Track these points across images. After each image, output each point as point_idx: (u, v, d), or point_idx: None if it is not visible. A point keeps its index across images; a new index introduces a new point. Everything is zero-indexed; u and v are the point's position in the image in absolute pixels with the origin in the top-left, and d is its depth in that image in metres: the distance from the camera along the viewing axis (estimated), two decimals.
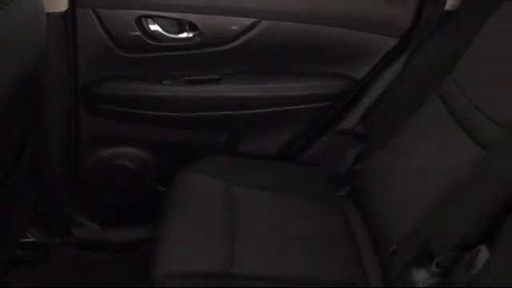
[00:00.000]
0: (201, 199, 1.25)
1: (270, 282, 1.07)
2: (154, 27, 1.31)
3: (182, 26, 1.33)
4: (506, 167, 0.87)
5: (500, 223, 0.84)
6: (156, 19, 1.30)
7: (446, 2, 1.31)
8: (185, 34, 1.33)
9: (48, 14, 1.09)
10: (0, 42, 0.86)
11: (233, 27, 1.33)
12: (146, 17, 1.30)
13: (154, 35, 1.32)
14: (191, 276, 1.03)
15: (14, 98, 1.06)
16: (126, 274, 1.54)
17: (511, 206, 0.83)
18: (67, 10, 1.24)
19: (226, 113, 1.42)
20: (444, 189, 1.01)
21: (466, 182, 0.94)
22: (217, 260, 1.08)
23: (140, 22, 1.30)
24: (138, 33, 1.30)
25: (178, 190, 1.28)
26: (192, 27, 1.32)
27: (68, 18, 1.25)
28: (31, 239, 1.58)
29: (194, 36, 1.32)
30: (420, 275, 0.97)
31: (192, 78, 1.39)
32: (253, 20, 1.31)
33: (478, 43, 1.15)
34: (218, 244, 1.12)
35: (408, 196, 1.11)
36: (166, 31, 1.32)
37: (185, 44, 1.33)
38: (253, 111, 1.41)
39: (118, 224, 1.62)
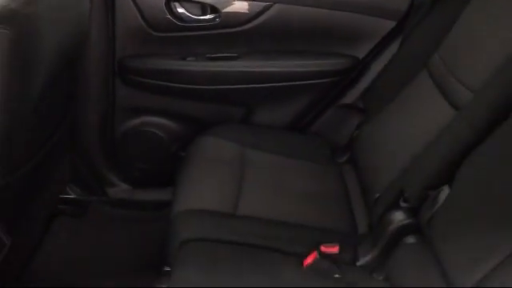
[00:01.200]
0: (216, 157, 1.45)
1: (270, 224, 1.26)
2: (180, 10, 1.53)
3: (204, 9, 1.54)
4: (465, 120, 1.03)
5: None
6: (182, 3, 1.52)
7: None
8: (207, 16, 1.54)
9: None
10: (50, 17, 1.07)
11: (249, 11, 1.52)
12: (174, 1, 1.51)
13: (181, 17, 1.53)
14: (203, 213, 1.23)
15: (61, 68, 1.28)
16: (153, 230, 1.75)
17: (468, 152, 1.00)
18: None
19: (242, 86, 1.62)
20: (421, 146, 1.17)
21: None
22: (225, 203, 1.28)
23: (169, 5, 1.52)
24: (167, 15, 1.52)
25: (196, 149, 1.49)
26: (213, 10, 1.53)
27: (108, 0, 1.47)
28: (72, 196, 1.82)
29: (214, 18, 1.53)
30: (396, 216, 1.14)
31: (212, 55, 1.59)
32: (266, 4, 1.51)
33: (461, 20, 1.30)
34: (227, 191, 1.32)
35: (393, 155, 1.28)
36: (191, 13, 1.53)
37: (206, 25, 1.54)
38: (265, 85, 1.61)
39: (146, 185, 1.84)
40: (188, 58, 1.59)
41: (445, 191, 1.01)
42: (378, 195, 1.23)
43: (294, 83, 1.61)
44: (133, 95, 1.68)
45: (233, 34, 1.55)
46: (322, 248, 1.16)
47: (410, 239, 1.09)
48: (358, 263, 1.18)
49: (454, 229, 0.95)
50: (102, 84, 1.63)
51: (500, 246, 0.80)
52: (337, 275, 1.12)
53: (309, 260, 1.13)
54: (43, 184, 1.42)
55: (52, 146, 1.39)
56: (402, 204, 1.10)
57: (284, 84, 1.61)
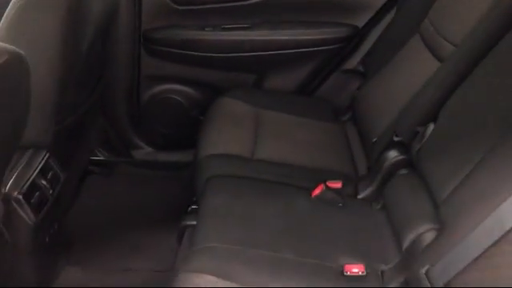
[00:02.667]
0: (233, 115, 1.65)
1: (283, 166, 1.45)
2: None
3: None
4: (448, 67, 1.23)
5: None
6: None
7: None
8: None
9: None
10: None
11: None
12: None
13: None
14: (225, 156, 1.43)
15: (98, 35, 1.47)
16: (174, 187, 1.94)
17: (451, 94, 1.19)
18: None
19: (254, 54, 1.81)
20: (412, 96, 1.36)
21: None
22: (244, 149, 1.48)
23: None
24: None
25: (216, 109, 1.69)
26: None
27: None
28: (101, 158, 2.02)
29: None
30: (390, 154, 1.33)
31: (227, 25, 1.78)
32: None
33: None
34: (245, 141, 1.52)
35: (387, 107, 1.46)
36: None
37: None
38: (275, 52, 1.80)
39: (168, 148, 2.04)
40: (206, 29, 1.79)
41: (431, 127, 1.21)
42: (375, 139, 1.43)
43: (300, 50, 1.80)
44: (156, 64, 1.87)
45: (246, 7, 1.75)
46: (328, 183, 1.36)
47: (403, 171, 1.28)
48: (359, 196, 1.37)
49: (437, 154, 1.14)
50: (129, 54, 1.82)
51: (473, 156, 0.99)
52: (340, 204, 1.31)
53: (316, 191, 1.33)
54: (82, 138, 1.62)
55: (90, 104, 1.59)
56: (395, 138, 1.30)
57: (291, 51, 1.80)
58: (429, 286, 0.95)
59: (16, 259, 1.17)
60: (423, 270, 0.97)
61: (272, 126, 1.63)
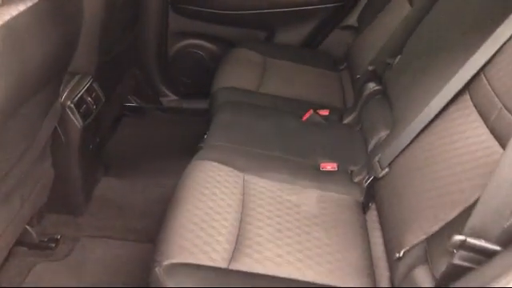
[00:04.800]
0: (244, 60, 1.95)
1: (281, 98, 1.74)
2: None
3: None
4: (415, 10, 1.50)
5: None
6: None
7: None
8: None
9: None
10: None
11: None
12: None
13: None
14: (233, 88, 1.74)
15: None
16: (195, 130, 2.25)
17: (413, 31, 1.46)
18: None
19: (265, 11, 2.11)
20: (387, 37, 1.64)
21: None
22: (250, 85, 1.79)
23: None
24: None
25: (229, 56, 1.99)
26: None
27: None
28: (133, 104, 2.35)
29: None
30: (369, 85, 1.60)
31: None
32: None
33: None
34: (252, 78, 1.83)
35: (369, 49, 1.74)
36: None
37: None
38: (282, 10, 2.09)
39: (191, 96, 2.35)
40: None
41: (398, 58, 1.48)
42: (358, 76, 1.71)
43: (303, 8, 2.09)
44: (182, 21, 2.19)
45: None
46: (317, 110, 1.64)
47: (377, 97, 1.56)
48: (344, 122, 1.66)
49: (399, 78, 1.42)
50: (158, 12, 2.15)
51: (417, 79, 1.26)
52: (326, 126, 1.60)
53: (306, 115, 1.62)
54: (120, 74, 1.95)
55: (126, 46, 1.91)
56: (369, 67, 1.57)
57: (296, 8, 2.09)
58: (380, 171, 1.23)
59: (68, 156, 1.51)
60: (377, 159, 1.26)
61: (277, 70, 1.93)
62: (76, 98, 1.46)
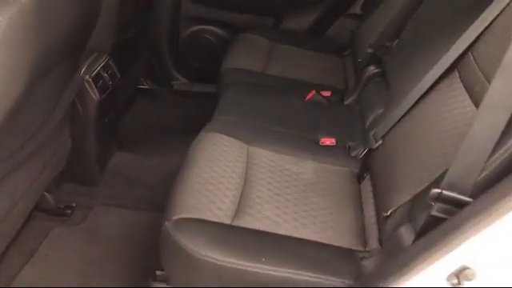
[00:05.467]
0: (251, 44, 2.05)
1: (286, 80, 1.84)
2: None
3: None
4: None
5: None
6: None
7: None
8: None
9: None
10: None
11: None
12: None
13: None
14: (240, 70, 1.84)
15: None
16: (206, 111, 2.35)
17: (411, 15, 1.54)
18: None
19: None
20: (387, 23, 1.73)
21: None
22: (257, 67, 1.89)
23: None
24: None
25: (237, 40, 2.09)
26: None
27: None
28: (146, 86, 2.46)
29: None
30: (370, 68, 1.69)
31: None
32: None
33: None
34: (259, 60, 1.94)
35: (371, 35, 1.83)
36: None
37: None
38: None
39: (201, 80, 2.45)
40: None
41: (396, 41, 1.57)
42: (359, 60, 1.80)
43: None
44: (193, 7, 2.29)
45: None
46: (319, 91, 1.74)
47: (376, 79, 1.65)
48: (345, 103, 1.75)
49: (396, 59, 1.51)
50: None
51: (416, 59, 1.35)
52: (327, 105, 1.69)
53: (309, 95, 1.71)
54: (133, 56, 2.05)
55: (139, 28, 2.01)
56: (369, 50, 1.67)
57: None
58: (374, 143, 1.32)
59: (85, 128, 1.62)
60: (372, 133, 1.35)
61: (282, 54, 2.03)
62: (94, 73, 1.57)
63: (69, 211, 1.68)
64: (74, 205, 1.70)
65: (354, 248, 1.14)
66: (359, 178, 1.38)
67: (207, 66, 2.44)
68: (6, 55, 0.92)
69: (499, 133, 0.83)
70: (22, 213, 1.36)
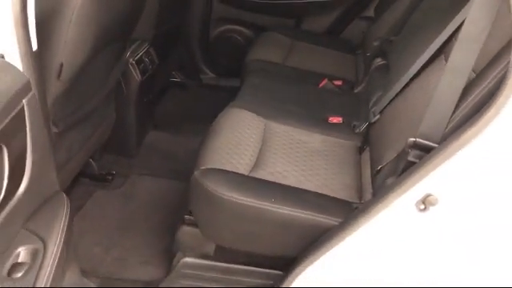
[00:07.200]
0: (273, 41, 2.29)
1: (301, 70, 2.07)
2: None
3: None
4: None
5: None
6: None
7: None
8: None
9: None
10: None
11: None
12: None
13: None
14: (261, 60, 2.08)
15: None
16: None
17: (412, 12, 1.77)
18: None
19: (293, 1, 2.45)
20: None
21: None
22: (277, 59, 2.13)
23: None
24: None
25: (261, 37, 2.34)
26: None
27: None
28: (177, 79, 2.72)
29: None
30: (376, 60, 1.92)
31: None
32: None
33: None
34: (278, 54, 2.18)
35: (378, 33, 2.05)
36: None
37: None
38: (309, 0, 2.43)
39: (227, 75, 2.71)
40: None
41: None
42: (368, 54, 2.02)
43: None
44: (223, 8, 2.56)
45: None
46: (332, 80, 1.97)
47: (382, 69, 1.86)
48: (355, 91, 1.97)
49: (396, 49, 1.73)
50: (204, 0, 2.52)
51: (416, 49, 1.57)
52: (338, 92, 1.92)
53: (322, 83, 1.94)
54: (168, 52, 2.32)
55: (171, 28, 2.28)
56: (374, 43, 1.89)
57: (323, 0, 2.43)
58: (373, 117, 1.54)
59: (127, 104, 1.88)
60: (372, 110, 1.57)
61: (301, 50, 2.27)
62: (137, 57, 1.84)
63: (110, 177, 1.95)
64: (114, 172, 1.97)
65: (350, 200, 1.36)
66: (360, 150, 1.60)
67: (233, 62, 2.70)
68: (79, 24, 1.19)
69: (460, 91, 1.04)
70: (75, 166, 1.61)
